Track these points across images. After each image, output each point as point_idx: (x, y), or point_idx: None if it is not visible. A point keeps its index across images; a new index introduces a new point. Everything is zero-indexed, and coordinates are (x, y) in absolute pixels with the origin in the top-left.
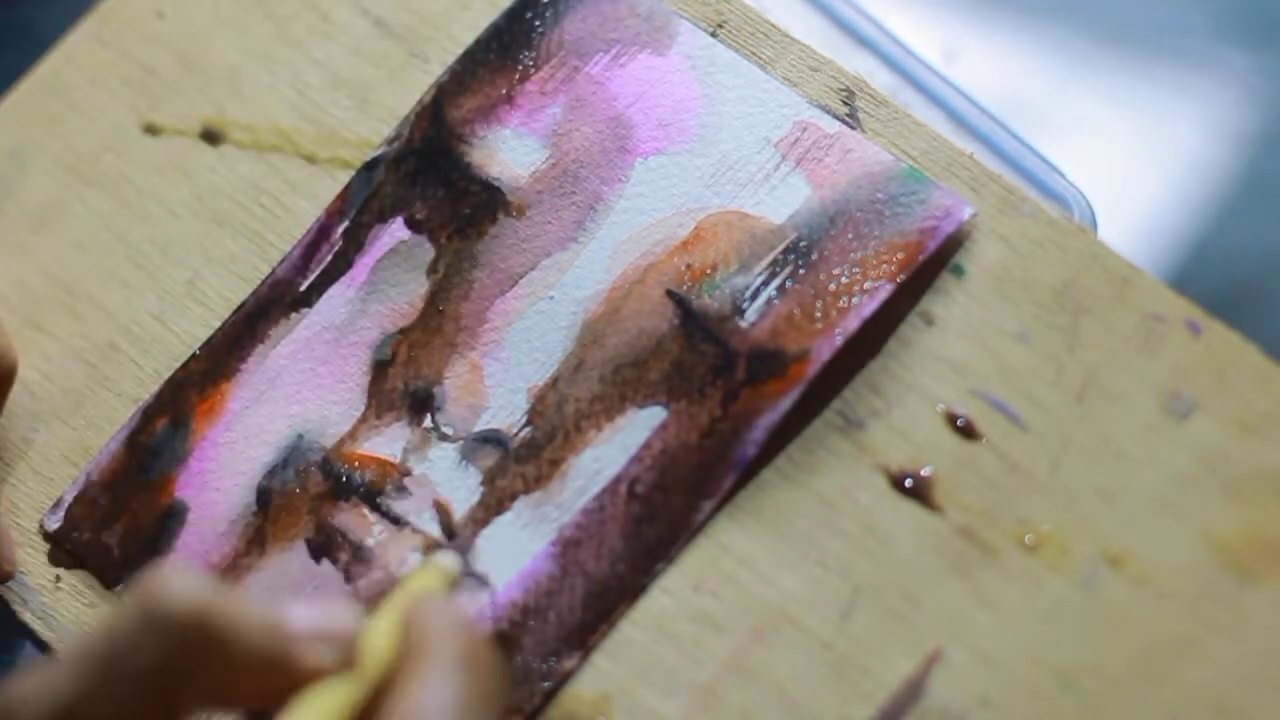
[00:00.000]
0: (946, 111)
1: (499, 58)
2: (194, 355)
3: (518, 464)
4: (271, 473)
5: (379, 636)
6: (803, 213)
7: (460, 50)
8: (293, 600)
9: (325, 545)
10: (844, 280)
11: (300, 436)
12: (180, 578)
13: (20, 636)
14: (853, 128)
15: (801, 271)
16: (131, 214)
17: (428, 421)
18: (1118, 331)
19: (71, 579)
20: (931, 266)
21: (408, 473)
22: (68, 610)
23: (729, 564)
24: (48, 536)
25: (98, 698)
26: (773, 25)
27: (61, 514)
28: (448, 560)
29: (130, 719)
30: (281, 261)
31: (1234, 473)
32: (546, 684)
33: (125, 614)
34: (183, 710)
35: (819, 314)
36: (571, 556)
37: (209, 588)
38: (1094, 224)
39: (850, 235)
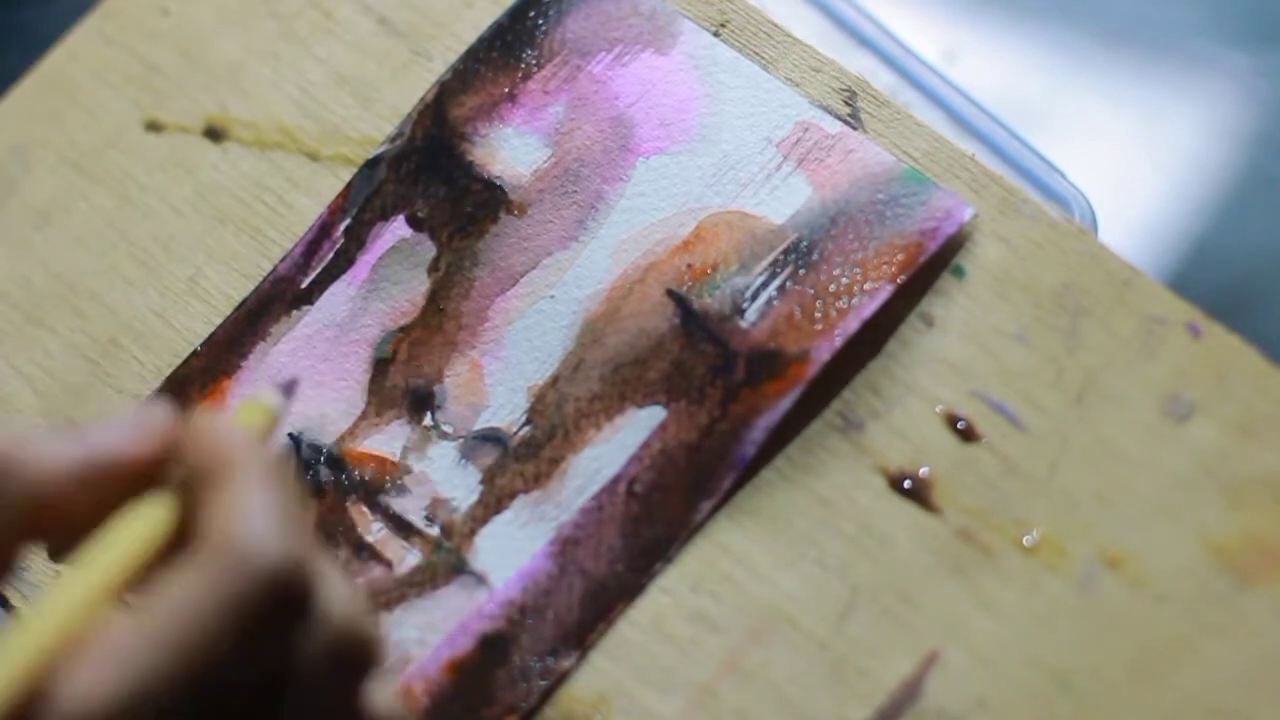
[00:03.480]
0: (947, 111)
1: (501, 56)
2: (195, 352)
3: (517, 463)
4: None
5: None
6: (804, 213)
7: (463, 48)
8: None
9: (324, 542)
10: (844, 281)
11: (300, 434)
12: None
13: None
14: (854, 128)
15: (802, 272)
16: (134, 211)
17: (428, 420)
18: (1117, 333)
19: None
20: (932, 267)
21: (407, 471)
22: None
23: (727, 564)
24: None
25: None
26: (775, 25)
27: None
28: (268, 395)
29: None
30: (283, 259)
31: (1233, 476)
32: (544, 683)
33: None
34: (11, 548)
35: (819, 314)
36: (570, 555)
37: (8, 439)
38: (1094, 224)
39: (851, 236)
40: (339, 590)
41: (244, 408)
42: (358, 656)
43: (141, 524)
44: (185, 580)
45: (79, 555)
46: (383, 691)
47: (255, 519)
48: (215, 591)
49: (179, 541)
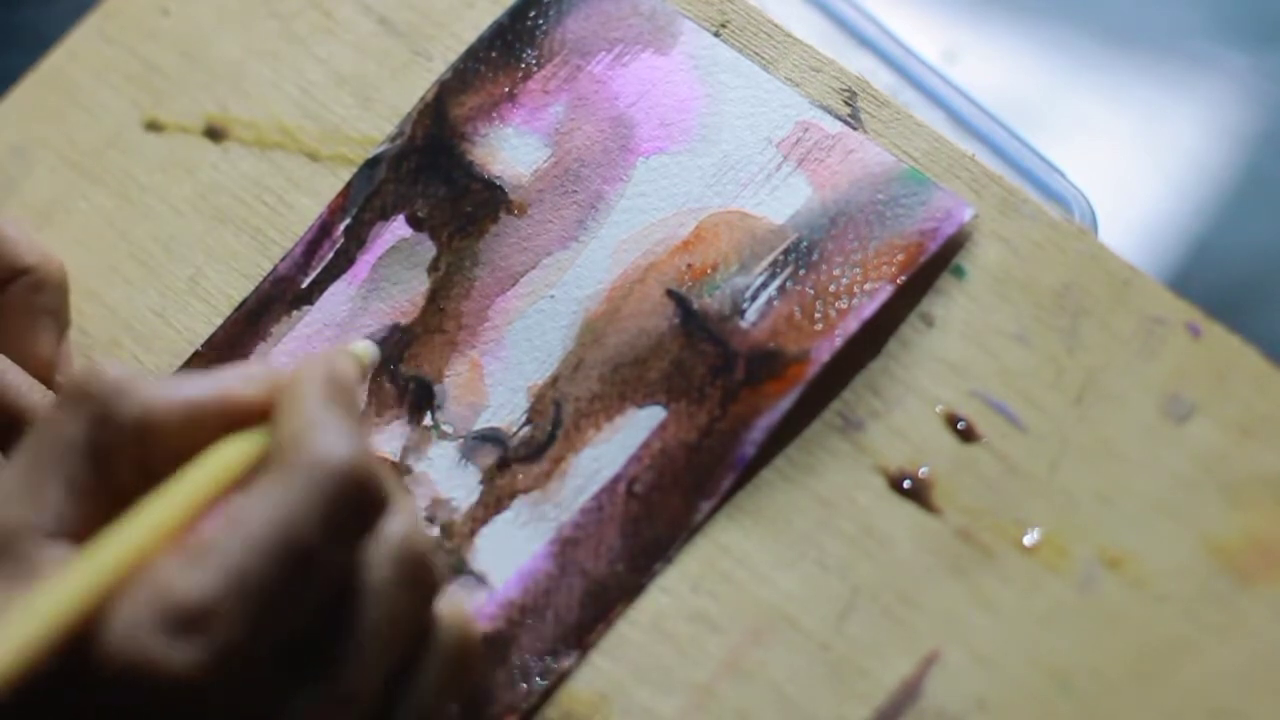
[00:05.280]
0: (947, 111)
1: (501, 56)
2: (196, 352)
3: (517, 463)
4: None
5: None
6: (804, 213)
7: (463, 48)
8: None
9: None
10: (844, 281)
11: None
12: (102, 364)
13: None
14: (854, 128)
15: (802, 272)
16: (134, 211)
17: (428, 420)
18: (1117, 333)
19: None
20: (932, 268)
21: (407, 471)
22: None
23: (727, 564)
24: None
25: (43, 480)
26: (775, 25)
27: None
28: (363, 345)
29: (79, 495)
30: (283, 258)
31: (1233, 476)
32: (544, 683)
33: (55, 400)
34: (123, 488)
35: (819, 315)
36: (570, 555)
37: (127, 368)
38: (1094, 224)
39: (851, 236)
40: (406, 505)
41: (338, 354)
42: (425, 568)
43: (231, 452)
44: (268, 485)
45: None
46: (449, 604)
47: (325, 429)
48: (298, 491)
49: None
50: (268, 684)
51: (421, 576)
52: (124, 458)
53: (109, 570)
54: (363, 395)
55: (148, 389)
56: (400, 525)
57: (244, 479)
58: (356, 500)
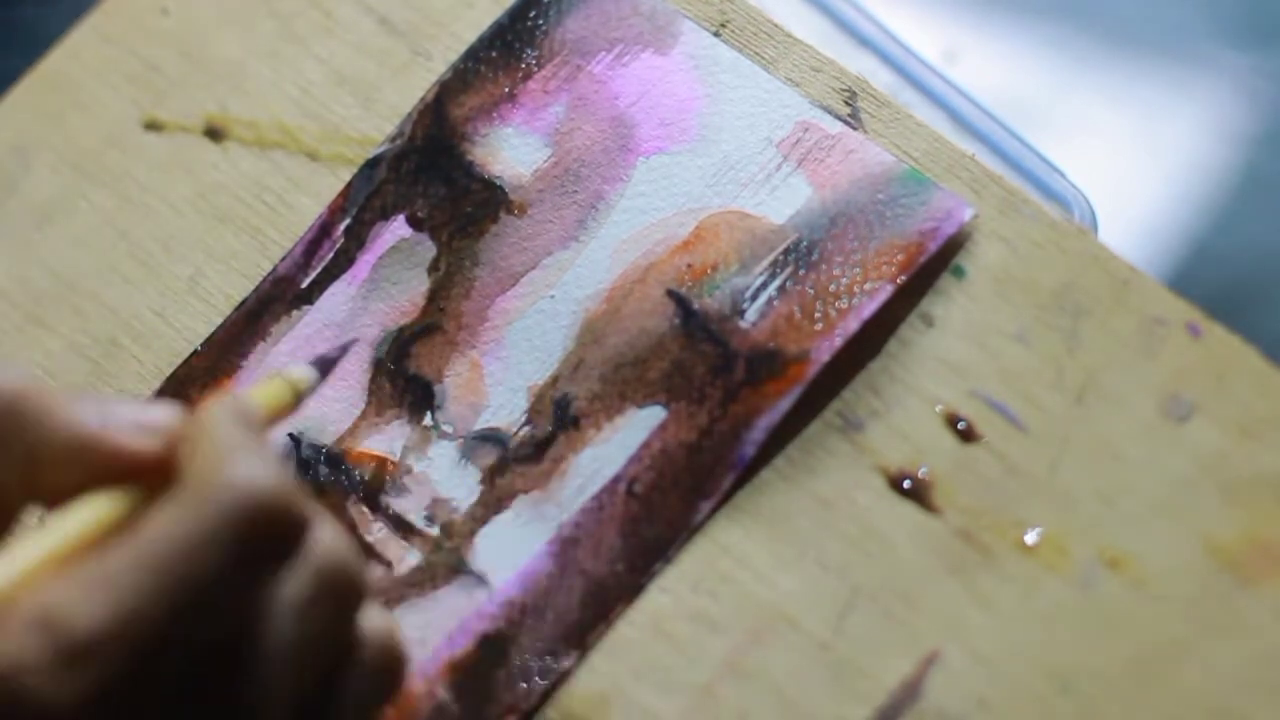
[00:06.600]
0: (947, 111)
1: (502, 56)
2: (196, 352)
3: (517, 463)
4: None
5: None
6: (804, 213)
7: (463, 48)
8: None
9: None
10: (844, 281)
11: (300, 434)
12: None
13: None
14: (854, 128)
15: (802, 272)
16: (134, 210)
17: (428, 419)
18: (1117, 334)
19: None
20: (932, 268)
21: (407, 471)
22: None
23: (727, 564)
24: None
25: None
26: (776, 25)
27: None
28: (300, 370)
29: None
30: (283, 258)
31: (1232, 476)
32: (544, 683)
33: None
34: (9, 505)
35: (819, 315)
36: (570, 555)
37: (29, 377)
38: (1094, 224)
39: (851, 236)
40: (324, 524)
41: (269, 380)
42: (347, 584)
43: (87, 514)
44: (175, 511)
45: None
46: (373, 617)
47: (239, 455)
48: (208, 521)
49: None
50: (157, 716)
51: (343, 590)
52: (10, 480)
53: None
54: (363, 398)
55: (39, 405)
56: (321, 538)
57: (98, 541)
58: (276, 529)
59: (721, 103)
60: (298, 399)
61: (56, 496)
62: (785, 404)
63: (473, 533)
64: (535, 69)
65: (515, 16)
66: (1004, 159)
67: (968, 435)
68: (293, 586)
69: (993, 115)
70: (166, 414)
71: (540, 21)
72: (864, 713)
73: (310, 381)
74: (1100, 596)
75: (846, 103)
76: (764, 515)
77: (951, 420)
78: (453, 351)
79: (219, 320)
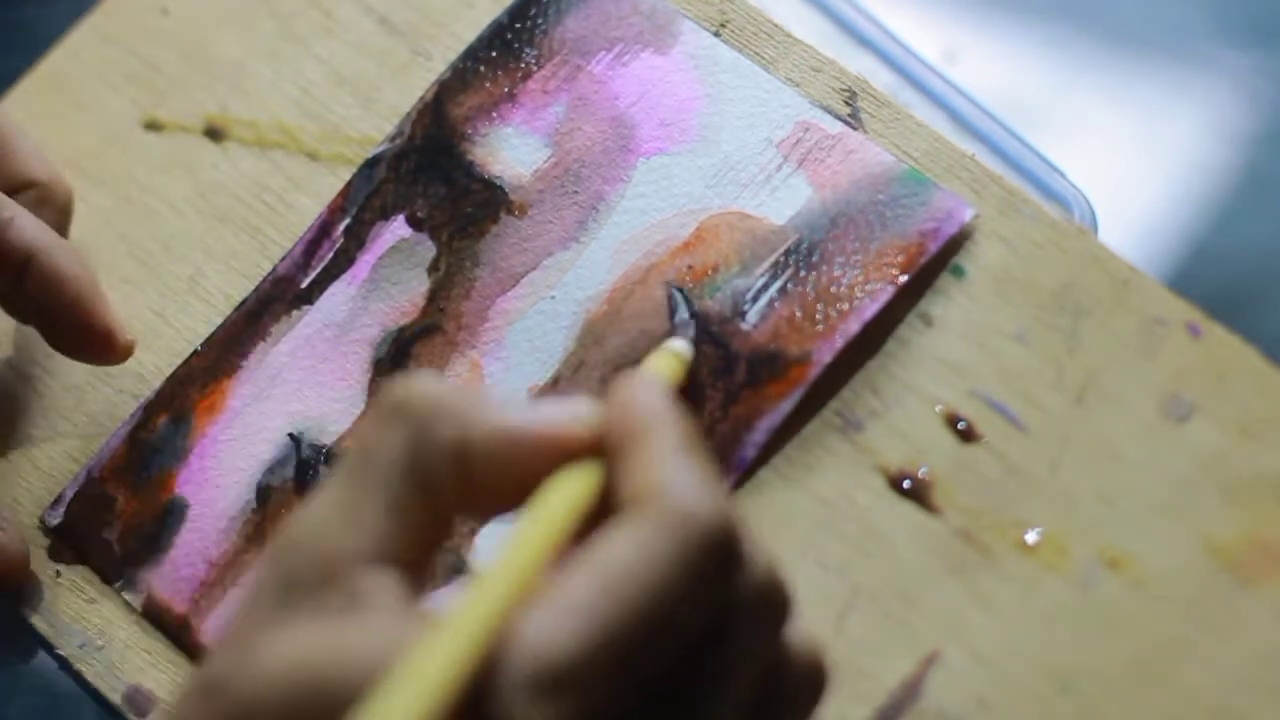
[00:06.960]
0: (947, 111)
1: (501, 55)
2: (195, 352)
3: None
4: (271, 470)
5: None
6: (804, 214)
7: (463, 48)
8: None
9: None
10: (845, 282)
11: (301, 434)
12: (419, 378)
13: (20, 631)
14: (855, 128)
15: (802, 273)
16: (134, 210)
17: None
18: (1117, 334)
19: (72, 574)
20: (932, 268)
21: None
22: (68, 605)
23: None
24: (49, 532)
25: (363, 501)
26: (775, 25)
27: (62, 510)
28: (680, 344)
29: (401, 516)
30: (283, 258)
31: (1233, 476)
32: None
33: (369, 416)
34: (446, 509)
35: (820, 316)
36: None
37: (443, 379)
38: (1094, 224)
39: (851, 237)
40: (755, 540)
41: (658, 357)
42: (780, 601)
43: (573, 488)
44: (633, 537)
45: (517, 519)
46: (799, 633)
47: (687, 477)
48: (665, 547)
49: (600, 508)
50: None
51: (778, 605)
52: (444, 479)
53: (483, 629)
54: (363, 398)
55: (467, 410)
56: (756, 557)
57: (582, 522)
58: (729, 551)
59: (721, 103)
60: (687, 372)
61: (489, 499)
62: (786, 406)
63: (473, 533)
64: (535, 69)
65: (515, 16)
66: (1004, 159)
67: (968, 435)
68: (739, 605)
69: (993, 115)
70: (582, 404)
71: (540, 21)
72: (864, 713)
73: (691, 354)
74: (1100, 596)
75: (846, 103)
76: (764, 515)
77: (951, 420)
78: (453, 352)
79: (219, 320)
